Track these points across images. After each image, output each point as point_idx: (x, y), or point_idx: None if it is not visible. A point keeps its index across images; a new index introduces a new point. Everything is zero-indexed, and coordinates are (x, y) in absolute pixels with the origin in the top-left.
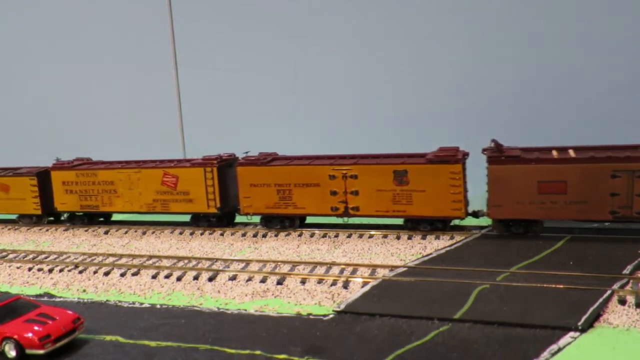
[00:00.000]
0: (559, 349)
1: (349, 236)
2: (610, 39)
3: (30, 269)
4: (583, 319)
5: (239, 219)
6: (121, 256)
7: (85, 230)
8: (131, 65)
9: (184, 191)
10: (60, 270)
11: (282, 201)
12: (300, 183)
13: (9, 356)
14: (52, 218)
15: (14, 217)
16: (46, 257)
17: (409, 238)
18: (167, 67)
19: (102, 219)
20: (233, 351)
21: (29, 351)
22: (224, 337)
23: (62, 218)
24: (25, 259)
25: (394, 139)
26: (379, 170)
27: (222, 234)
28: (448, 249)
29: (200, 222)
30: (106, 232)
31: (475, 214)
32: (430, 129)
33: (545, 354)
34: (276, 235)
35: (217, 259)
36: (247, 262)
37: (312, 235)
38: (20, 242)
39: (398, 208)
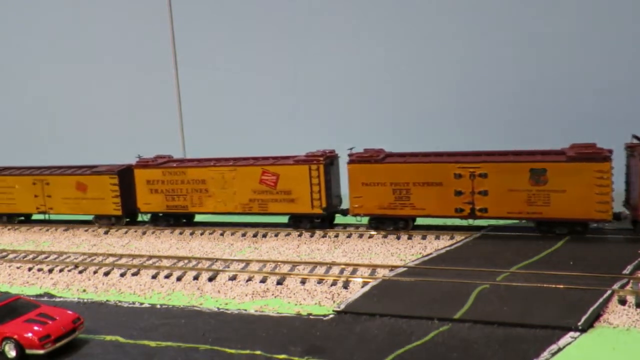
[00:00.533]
0: (559, 349)
1: (349, 236)
2: (610, 39)
3: (30, 269)
4: (583, 319)
5: (338, 219)
6: (121, 256)
7: (85, 230)
8: (131, 65)
9: (285, 190)
10: (60, 270)
11: (398, 201)
12: (420, 182)
13: (9, 356)
14: (128, 219)
15: (87, 217)
16: (46, 257)
17: (409, 238)
18: (167, 67)
19: (184, 220)
20: (233, 351)
21: (29, 351)
22: (224, 337)
23: (142, 219)
24: (25, 259)
25: (394, 138)
26: (513, 169)
27: (222, 234)
28: (448, 248)
29: (302, 223)
30: (106, 232)
31: (617, 216)
32: (430, 128)
33: (545, 354)
34: (276, 235)
35: (217, 259)
36: (247, 262)
37: (312, 235)
38: (20, 242)
39: (533, 210)
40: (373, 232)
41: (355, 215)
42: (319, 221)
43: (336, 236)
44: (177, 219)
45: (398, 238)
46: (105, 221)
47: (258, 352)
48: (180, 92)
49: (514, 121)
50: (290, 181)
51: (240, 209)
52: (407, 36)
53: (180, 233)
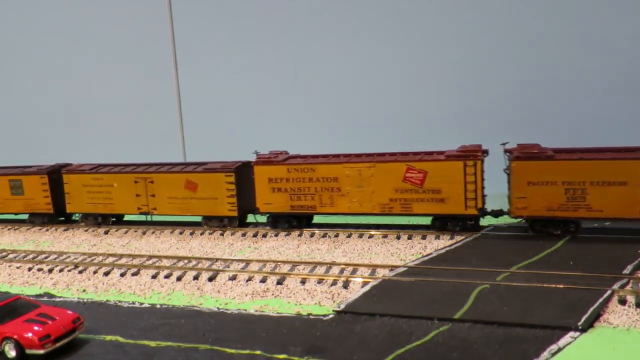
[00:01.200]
0: (559, 349)
1: (349, 236)
2: (610, 39)
3: (30, 269)
4: (583, 318)
5: (485, 220)
6: (121, 256)
7: (85, 230)
8: (131, 65)
9: (433, 189)
10: (60, 270)
11: (570, 202)
12: (598, 181)
13: (9, 356)
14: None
15: (194, 219)
16: (46, 257)
17: (409, 238)
18: (167, 67)
19: (306, 221)
20: (233, 351)
21: (29, 351)
22: (224, 337)
23: (256, 220)
24: (25, 259)
25: (394, 138)
26: None
27: (222, 234)
28: (448, 248)
29: (449, 224)
30: (106, 232)
31: None
32: (430, 128)
33: (545, 354)
34: (276, 235)
35: (217, 259)
36: (247, 262)
37: (312, 235)
38: (20, 242)
39: None
40: (372, 233)
41: (517, 217)
42: (472, 223)
43: (336, 236)
44: (300, 220)
45: (398, 238)
46: (216, 223)
47: (258, 352)
48: (180, 92)
49: (513, 121)
50: (440, 179)
51: (378, 209)
52: (407, 36)
53: (181, 233)
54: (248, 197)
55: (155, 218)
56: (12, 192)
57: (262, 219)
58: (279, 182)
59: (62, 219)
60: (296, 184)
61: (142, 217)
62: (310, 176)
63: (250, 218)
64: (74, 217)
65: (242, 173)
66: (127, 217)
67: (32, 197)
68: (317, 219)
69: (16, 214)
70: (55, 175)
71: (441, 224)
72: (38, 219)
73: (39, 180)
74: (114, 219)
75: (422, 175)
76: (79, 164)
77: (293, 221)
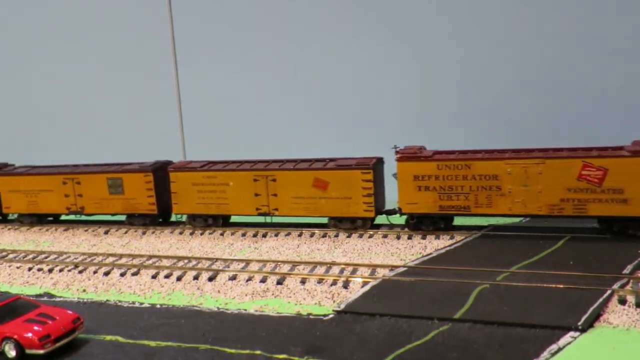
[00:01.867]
0: (559, 349)
1: (349, 236)
2: (610, 39)
3: (30, 269)
4: (583, 318)
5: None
6: (121, 256)
7: (85, 230)
8: (131, 65)
9: (614, 188)
10: (60, 270)
11: None
12: None
13: (9, 356)
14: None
15: (320, 220)
16: (46, 257)
17: (409, 238)
18: (167, 67)
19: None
20: (233, 351)
21: (29, 351)
22: (224, 337)
23: (388, 221)
24: (25, 259)
25: (395, 138)
26: None
27: (222, 234)
28: (448, 248)
29: (631, 228)
30: (106, 232)
31: None
32: (430, 128)
33: (545, 353)
34: (276, 235)
35: (217, 259)
36: (247, 262)
37: (312, 235)
38: (20, 242)
39: None
40: (372, 232)
41: None
42: None
43: (336, 236)
44: (448, 222)
45: (398, 238)
46: (347, 224)
47: (258, 352)
48: (180, 92)
49: (513, 121)
50: (623, 177)
51: (546, 210)
52: (407, 36)
53: (180, 233)
54: (380, 196)
55: (275, 219)
56: (111, 191)
57: (396, 219)
58: (427, 180)
59: (160, 220)
60: (447, 182)
61: (260, 219)
62: (465, 173)
63: (381, 219)
64: (175, 218)
65: (377, 170)
66: (235, 219)
67: (134, 196)
68: (457, 221)
69: (113, 214)
70: (159, 173)
71: (620, 227)
72: (138, 221)
73: (142, 179)
74: (222, 220)
75: (601, 172)
76: (185, 160)
77: (440, 223)
